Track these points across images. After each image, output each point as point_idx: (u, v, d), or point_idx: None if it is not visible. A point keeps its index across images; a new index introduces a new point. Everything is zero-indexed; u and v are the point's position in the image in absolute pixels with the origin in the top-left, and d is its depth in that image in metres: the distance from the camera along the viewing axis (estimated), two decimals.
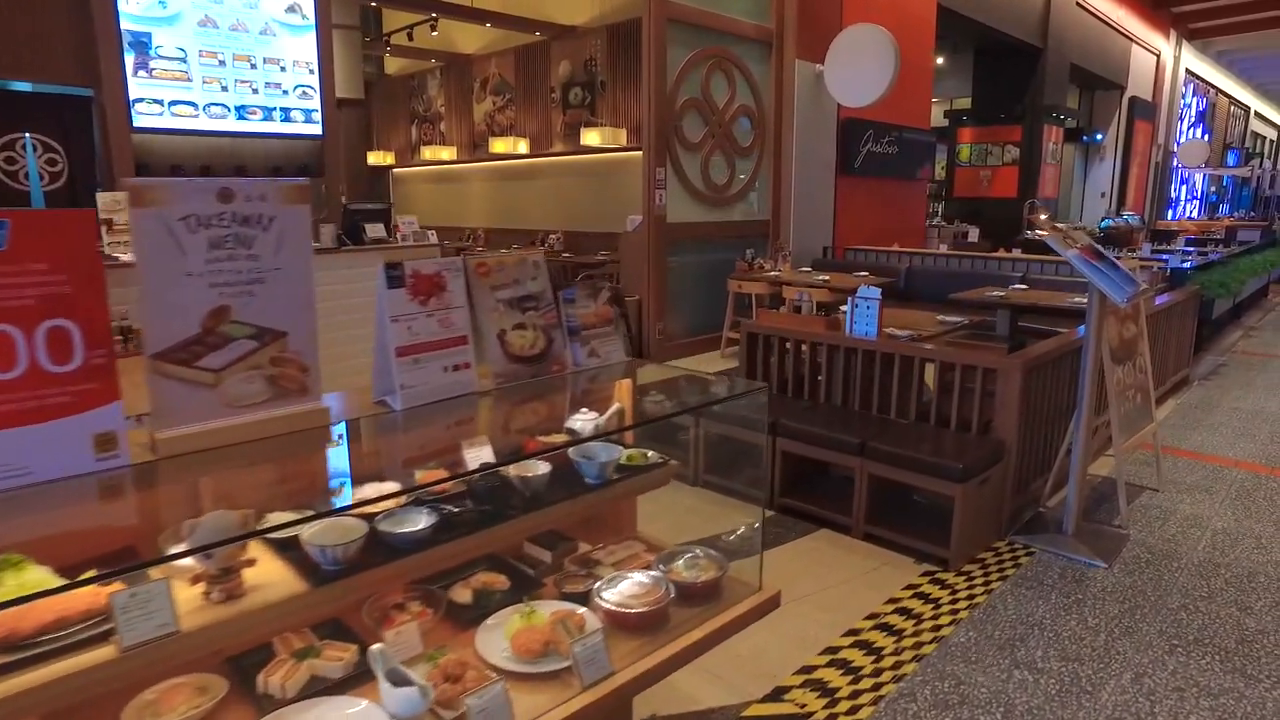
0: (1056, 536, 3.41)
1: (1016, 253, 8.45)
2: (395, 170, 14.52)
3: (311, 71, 6.46)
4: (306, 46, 6.39)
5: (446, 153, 12.55)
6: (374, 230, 5.68)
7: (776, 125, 8.00)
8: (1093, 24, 14.67)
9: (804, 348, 4.08)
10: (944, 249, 9.02)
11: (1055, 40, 13.24)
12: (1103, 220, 16.97)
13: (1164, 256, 7.90)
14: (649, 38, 6.66)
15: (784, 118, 7.99)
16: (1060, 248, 3.18)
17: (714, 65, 7.29)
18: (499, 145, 11.04)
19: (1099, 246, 3.26)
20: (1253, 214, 24.24)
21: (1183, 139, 21.78)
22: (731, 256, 7.52)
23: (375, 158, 13.91)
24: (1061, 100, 13.72)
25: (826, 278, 6.84)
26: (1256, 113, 29.89)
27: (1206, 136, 24.02)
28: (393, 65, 13.98)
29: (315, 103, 6.53)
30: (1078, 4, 13.79)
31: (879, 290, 3.90)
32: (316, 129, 6.59)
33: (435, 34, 10.79)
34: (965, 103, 14.64)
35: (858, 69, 7.59)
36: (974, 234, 12.10)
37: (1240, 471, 4.38)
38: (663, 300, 7.03)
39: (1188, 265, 6.98)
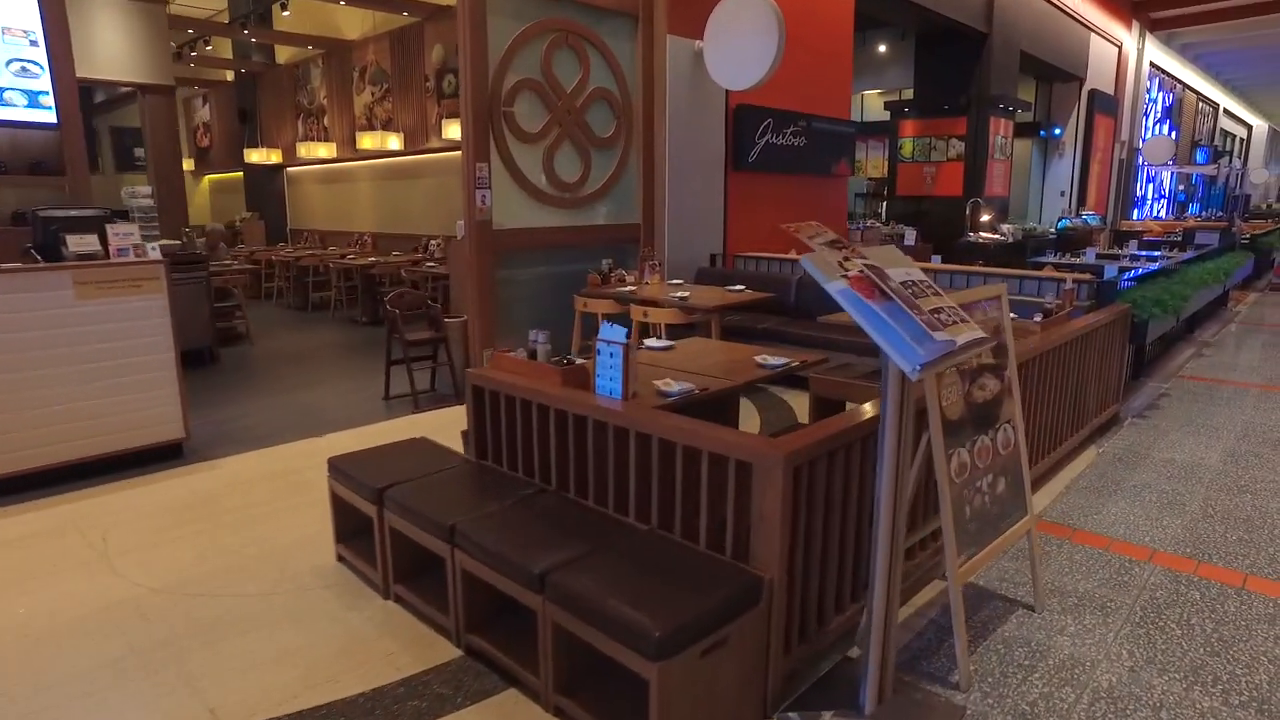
0: (847, 718, 2.23)
1: (937, 260, 7.29)
2: (289, 170, 13.22)
3: (34, 43, 5.19)
4: (23, 10, 5.12)
5: (325, 149, 11.29)
6: (81, 244, 4.43)
7: (647, 113, 6.80)
8: (1045, 9, 13.59)
9: (534, 409, 2.88)
10: None
11: (1002, 25, 12.14)
12: (1060, 221, 15.92)
13: (1096, 263, 6.79)
14: (463, 4, 5.43)
15: (656, 104, 6.79)
16: (822, 275, 1.98)
17: (558, 40, 6.08)
18: (366, 141, 9.79)
19: (894, 275, 2.06)
20: (1221, 214, 23.35)
21: (1148, 135, 20.81)
22: (594, 268, 6.32)
23: (257, 155, 12.59)
24: (1010, 90, 12.61)
25: (686, 295, 5.65)
26: (1226, 110, 29.04)
27: (1173, 133, 23.08)
28: (282, 54, 12.69)
29: (44, 83, 5.27)
30: None
31: (625, 330, 2.69)
32: (48, 116, 5.33)
33: (287, 14, 9.51)
34: (911, 95, 13.50)
35: (738, 46, 6.40)
36: (911, 236, 10.95)
37: (1156, 570, 3.21)
38: (491, 321, 5.81)
39: (1127, 276, 5.84)
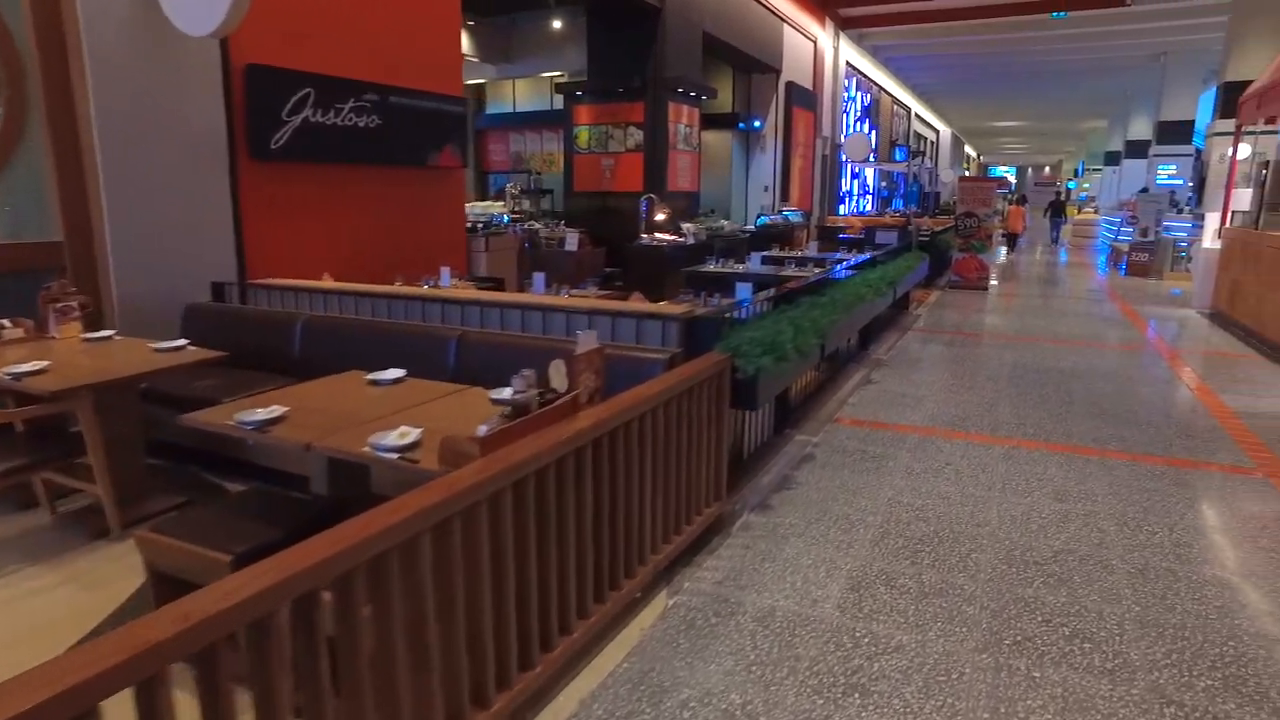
0: None
1: (470, 288, 5.48)
2: None
3: None
4: None
5: None
6: None
7: (53, 69, 4.31)
8: None
9: None
10: (459, 282, 5.82)
11: (679, 2, 10.81)
12: (759, 217, 15.20)
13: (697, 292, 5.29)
14: None
15: (73, 59, 4.32)
16: None
17: None
18: None
19: None
20: (917, 209, 24.52)
21: (848, 132, 21.18)
22: None
23: None
24: (691, 73, 11.35)
25: (40, 366, 3.30)
26: (917, 114, 31.06)
27: (873, 132, 23.90)
28: None
29: None
30: None
31: None
32: None
33: None
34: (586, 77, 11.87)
35: None
36: (573, 240, 9.23)
37: None
38: None
39: (744, 304, 4.27)
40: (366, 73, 5.91)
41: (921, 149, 33.30)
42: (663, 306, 4.05)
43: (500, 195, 14.00)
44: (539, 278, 5.28)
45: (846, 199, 22.22)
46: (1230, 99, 13.67)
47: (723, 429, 3.39)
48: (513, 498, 2.10)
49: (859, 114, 22.62)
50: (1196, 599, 3.01)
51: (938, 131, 36.76)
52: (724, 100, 15.68)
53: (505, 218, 11.42)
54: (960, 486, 4.08)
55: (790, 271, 6.79)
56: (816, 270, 6.57)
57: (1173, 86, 20.49)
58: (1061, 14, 15.57)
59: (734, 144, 16.30)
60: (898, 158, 27.68)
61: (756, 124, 16.00)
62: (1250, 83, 10.48)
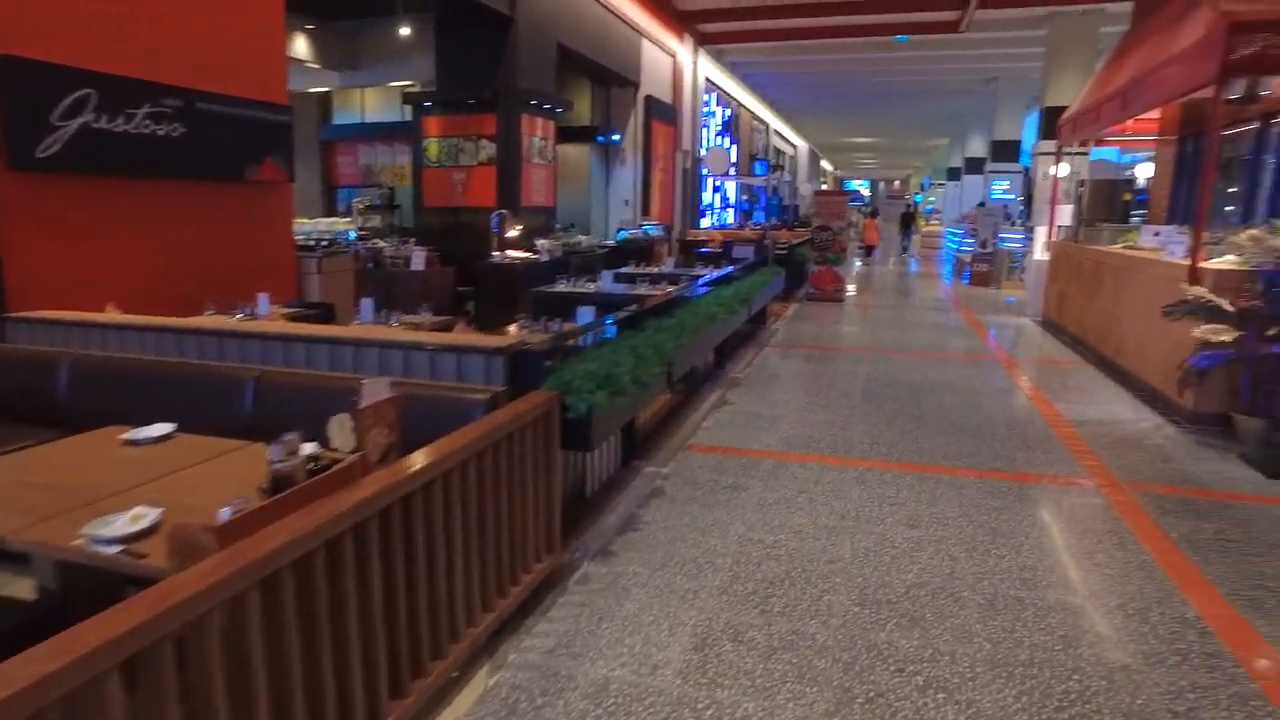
0: None
1: (279, 318, 4.98)
2: None
3: None
4: None
5: None
6: None
7: None
8: (585, 2, 12.34)
9: None
10: (273, 308, 5.22)
11: (531, 9, 10.47)
12: (619, 232, 15.05)
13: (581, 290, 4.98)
14: None
15: None
16: None
17: None
18: None
19: None
20: (778, 221, 25.17)
21: (710, 146, 21.46)
22: None
23: None
24: (544, 85, 11.04)
25: None
26: (776, 130, 32.03)
27: (734, 146, 24.36)
28: None
29: None
30: None
31: None
32: None
33: None
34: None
35: None
36: (420, 259, 8.70)
37: None
38: None
39: (585, 326, 3.96)
40: (168, 74, 5.24)
41: (781, 163, 34.37)
42: (486, 338, 3.68)
43: (348, 211, 13.20)
44: (366, 304, 4.81)
45: (708, 212, 22.50)
46: (1050, 121, 14.69)
47: (554, 475, 3.06)
48: (262, 600, 1.69)
49: (719, 128, 22.97)
50: (1043, 628, 2.93)
51: (796, 147, 38.09)
52: (582, 113, 15.46)
53: (351, 234, 10.71)
54: (814, 517, 3.92)
55: (643, 290, 6.57)
56: (670, 288, 6.38)
57: (1003, 109, 21.93)
58: (904, 38, 16.32)
59: (593, 158, 16.10)
60: (758, 172, 28.37)
61: (616, 138, 15.86)
62: (1066, 107, 11.24)
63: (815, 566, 3.39)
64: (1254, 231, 5.66)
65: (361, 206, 12.27)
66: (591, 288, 6.95)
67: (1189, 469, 4.75)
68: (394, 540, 2.13)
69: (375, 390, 2.18)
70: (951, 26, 15.17)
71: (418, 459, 2.24)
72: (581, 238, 12.14)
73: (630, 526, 3.77)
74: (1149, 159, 21.23)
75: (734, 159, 23.90)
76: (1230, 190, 10.01)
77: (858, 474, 4.56)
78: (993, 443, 5.19)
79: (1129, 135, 10.78)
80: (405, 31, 12.17)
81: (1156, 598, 3.17)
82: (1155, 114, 9.42)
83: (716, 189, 23.73)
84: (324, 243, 9.24)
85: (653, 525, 3.78)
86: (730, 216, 25.40)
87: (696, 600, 3.09)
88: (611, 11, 13.44)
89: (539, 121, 11.19)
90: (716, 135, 22.61)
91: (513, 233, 9.48)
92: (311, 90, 14.71)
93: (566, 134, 14.15)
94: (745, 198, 28.04)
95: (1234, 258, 5.71)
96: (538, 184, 11.23)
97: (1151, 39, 7.75)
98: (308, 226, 10.65)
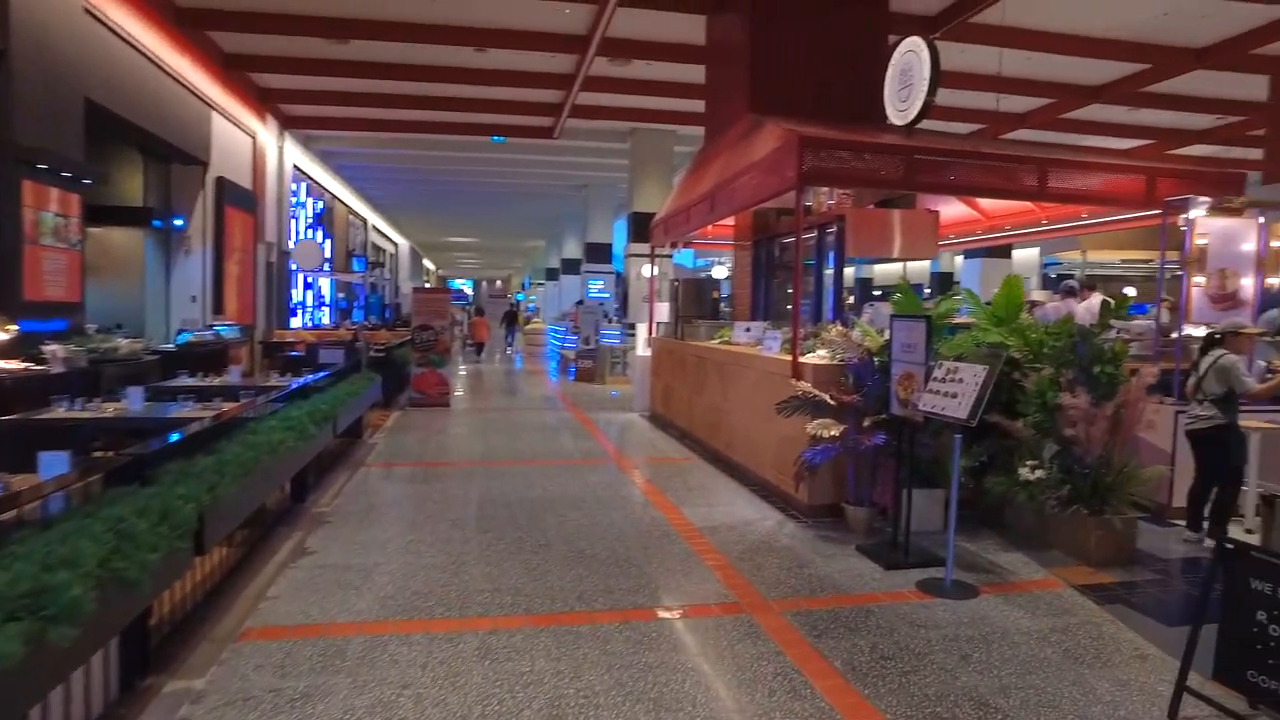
0: None
1: None
2: None
3: None
4: None
5: None
6: None
7: None
8: (124, 53, 10.07)
9: None
10: None
11: (39, 49, 8.10)
12: (181, 333, 12.47)
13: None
14: None
15: None
16: None
17: None
18: None
19: None
20: (379, 320, 23.69)
21: (300, 239, 19.42)
22: None
23: None
24: (64, 147, 8.59)
25: None
26: (374, 226, 30.68)
27: (327, 240, 22.50)
28: None
29: None
30: (86, 10, 8.96)
31: None
32: None
33: None
34: None
35: None
36: None
37: None
38: None
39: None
40: None
41: (381, 260, 32.93)
42: None
43: None
44: None
45: (300, 310, 20.25)
46: (638, 225, 15.78)
47: None
48: None
49: (311, 220, 21.05)
50: None
51: (397, 244, 37.00)
52: (134, 191, 12.73)
53: None
54: None
55: (188, 412, 4.91)
56: (227, 406, 4.82)
57: (595, 213, 23.42)
58: (500, 139, 16.43)
59: (150, 245, 13.30)
60: (356, 268, 26.69)
61: (178, 222, 13.30)
62: (651, 214, 11.93)
63: None
64: (840, 328, 5.96)
65: None
66: (110, 410, 5.07)
67: (823, 571, 4.54)
68: None
69: None
70: (546, 132, 15.60)
71: None
72: (122, 341, 9.55)
73: None
74: (719, 262, 24.26)
75: (329, 254, 22.04)
76: (790, 290, 11.28)
77: (479, 641, 3.50)
78: (629, 569, 4.52)
79: (710, 239, 11.68)
80: None
81: None
82: (730, 221, 10.26)
83: (309, 285, 21.56)
84: None
85: None
86: (326, 316, 23.25)
87: None
88: (169, 74, 11.28)
89: (54, 192, 8.64)
90: (308, 228, 20.65)
91: (4, 337, 6.90)
92: None
93: (108, 214, 11.45)
94: (343, 295, 26.08)
95: (824, 352, 5.93)
96: (53, 272, 8.59)
97: (723, 155, 8.30)
98: None
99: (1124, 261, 16.55)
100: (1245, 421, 5.10)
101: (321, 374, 6.63)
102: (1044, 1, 8.93)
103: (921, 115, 6.51)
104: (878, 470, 5.31)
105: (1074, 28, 9.82)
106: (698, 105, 12.33)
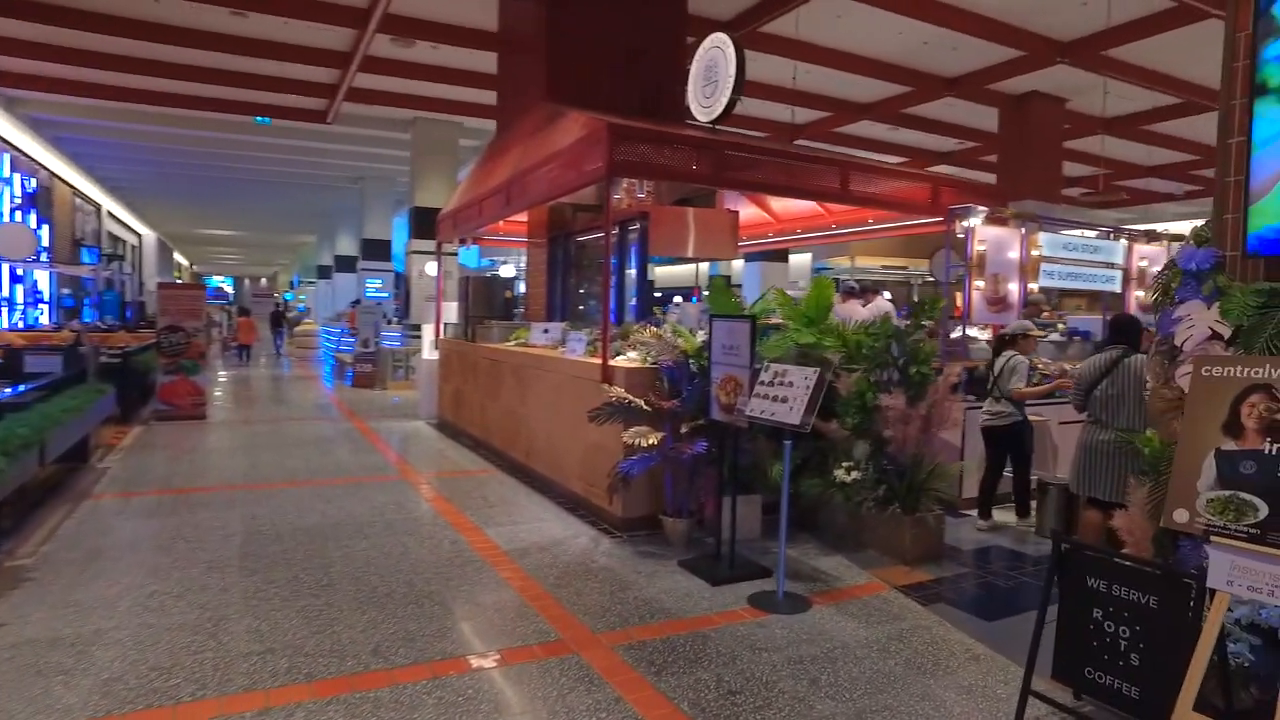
0: None
1: None
2: None
3: None
4: None
5: None
6: None
7: None
8: None
9: None
10: None
11: None
12: None
13: None
14: None
15: None
16: None
17: None
18: None
19: None
20: (116, 321, 20.59)
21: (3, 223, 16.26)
22: None
23: None
24: None
25: None
26: (110, 213, 26.68)
27: (42, 226, 19.12)
28: None
29: None
30: None
31: None
32: None
33: None
34: None
35: None
36: None
37: None
38: None
39: None
40: None
41: (120, 253, 28.75)
42: None
43: None
44: None
45: (7, 307, 17.04)
46: (421, 221, 14.77)
47: None
48: None
49: (19, 202, 17.76)
50: None
51: (140, 235, 32.55)
52: None
53: None
54: None
55: None
56: None
57: (371, 208, 21.85)
58: (266, 120, 14.71)
59: None
60: (86, 260, 23.03)
61: None
62: (435, 210, 11.11)
63: None
64: (652, 329, 5.66)
65: None
66: None
67: (648, 593, 4.18)
68: None
69: None
70: (319, 116, 14.17)
71: None
72: None
73: None
74: (505, 262, 23.53)
75: (46, 243, 18.75)
76: (583, 290, 10.95)
77: None
78: (431, 608, 3.90)
79: (501, 235, 11.05)
80: None
81: None
82: (523, 217, 9.75)
83: (18, 279, 18.19)
84: None
85: None
86: (45, 315, 19.78)
87: None
88: None
89: None
90: (15, 210, 17.38)
91: None
92: None
93: None
94: (68, 291, 22.36)
95: (635, 354, 5.62)
96: None
97: (519, 146, 7.79)
98: None
99: (884, 267, 18.05)
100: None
101: (26, 385, 5.30)
102: (830, 20, 9.29)
103: (727, 112, 6.41)
104: (695, 479, 5.07)
105: (856, 47, 10.36)
106: (487, 96, 11.68)
